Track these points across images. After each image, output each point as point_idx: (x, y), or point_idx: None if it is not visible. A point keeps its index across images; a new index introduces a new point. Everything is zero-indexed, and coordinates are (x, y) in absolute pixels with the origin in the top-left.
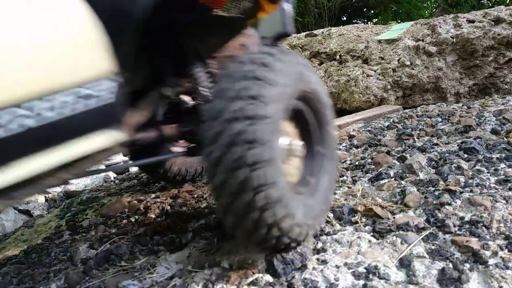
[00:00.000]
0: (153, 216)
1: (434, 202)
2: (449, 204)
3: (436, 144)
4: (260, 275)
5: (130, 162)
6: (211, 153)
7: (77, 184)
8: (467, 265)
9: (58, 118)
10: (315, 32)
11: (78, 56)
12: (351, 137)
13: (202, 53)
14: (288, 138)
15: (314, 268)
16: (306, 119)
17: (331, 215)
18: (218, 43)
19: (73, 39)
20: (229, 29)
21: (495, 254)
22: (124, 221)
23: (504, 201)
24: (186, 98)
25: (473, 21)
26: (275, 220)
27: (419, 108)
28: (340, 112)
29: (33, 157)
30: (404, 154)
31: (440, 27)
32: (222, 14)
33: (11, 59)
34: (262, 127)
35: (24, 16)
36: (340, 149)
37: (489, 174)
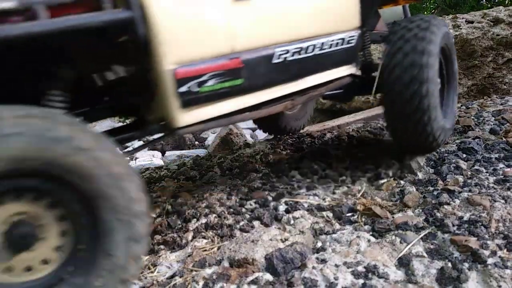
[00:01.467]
0: (153, 215)
1: (433, 201)
2: (448, 204)
3: None
4: (260, 274)
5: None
6: (392, 74)
7: None
8: (466, 265)
9: (331, 51)
10: None
11: (346, 15)
12: (350, 137)
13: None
14: None
15: (313, 267)
16: (441, 63)
17: (330, 214)
18: (374, 23)
19: (346, 5)
20: (377, 13)
21: (494, 253)
22: None
23: (503, 201)
24: None
25: (472, 22)
26: (431, 121)
27: None
28: (340, 112)
29: (315, 74)
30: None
31: None
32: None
33: (322, 14)
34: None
35: None
36: (339, 149)
37: (488, 174)
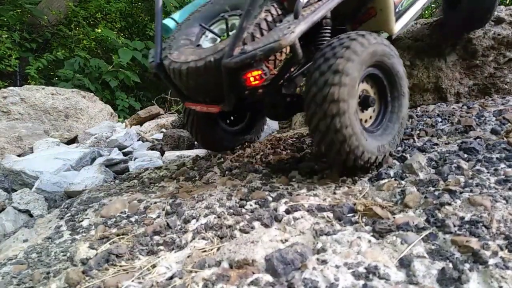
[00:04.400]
0: (153, 216)
1: (434, 202)
2: (449, 204)
3: (436, 144)
4: (260, 275)
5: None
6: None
7: (77, 184)
8: (467, 265)
9: None
10: None
11: None
12: None
13: None
14: None
15: (314, 268)
16: None
17: (331, 215)
18: None
19: None
20: None
21: (495, 254)
22: (124, 221)
23: (504, 201)
24: None
25: None
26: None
27: (419, 108)
28: None
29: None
30: (404, 154)
31: None
32: None
33: None
34: None
35: None
36: None
37: (489, 174)
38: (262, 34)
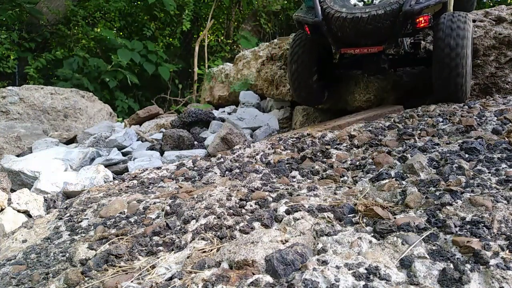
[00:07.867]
0: (152, 216)
1: (435, 202)
2: (450, 205)
3: (437, 144)
4: (260, 275)
5: None
6: None
7: (76, 184)
8: (468, 266)
9: None
10: None
11: None
12: (351, 137)
13: None
14: None
15: (314, 269)
16: None
17: (331, 215)
18: None
19: None
20: None
21: (496, 254)
22: (123, 221)
23: (505, 201)
24: None
25: (474, 21)
26: None
27: (420, 107)
28: (341, 112)
29: None
30: (405, 154)
31: None
32: None
33: None
34: None
35: None
36: (340, 149)
37: (490, 174)
38: None
